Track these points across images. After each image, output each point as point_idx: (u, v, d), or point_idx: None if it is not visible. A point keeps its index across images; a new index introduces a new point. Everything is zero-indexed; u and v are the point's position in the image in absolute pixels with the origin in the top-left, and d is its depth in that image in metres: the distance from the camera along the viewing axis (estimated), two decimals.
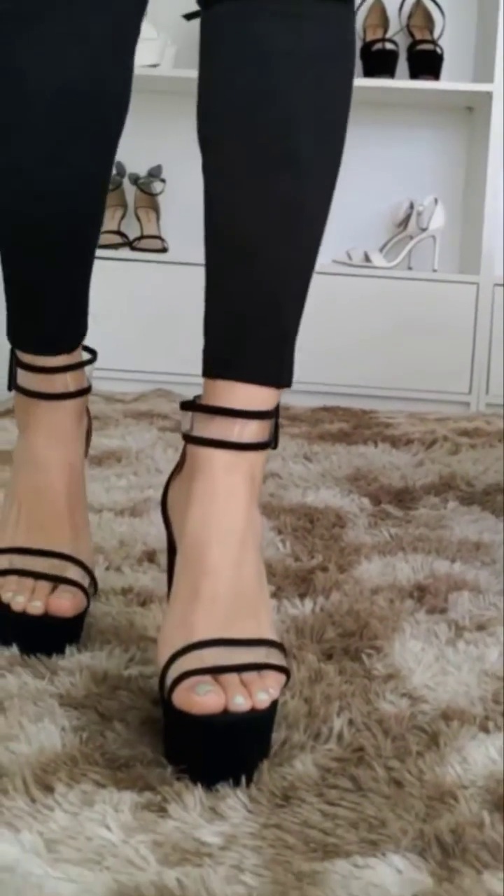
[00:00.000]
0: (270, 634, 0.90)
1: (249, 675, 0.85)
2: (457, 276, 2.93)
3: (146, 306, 2.95)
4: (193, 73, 0.98)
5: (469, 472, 1.97)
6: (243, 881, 0.69)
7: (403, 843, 0.74)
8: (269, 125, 0.90)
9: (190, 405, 0.94)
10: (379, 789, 0.81)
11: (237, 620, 0.88)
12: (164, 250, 3.11)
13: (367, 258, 2.96)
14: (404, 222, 3.05)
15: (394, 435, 2.33)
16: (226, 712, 0.81)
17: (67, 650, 1.04)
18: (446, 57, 3.06)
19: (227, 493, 0.91)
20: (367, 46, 3.05)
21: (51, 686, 0.96)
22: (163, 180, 3.20)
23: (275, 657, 0.88)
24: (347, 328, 2.87)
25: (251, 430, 0.92)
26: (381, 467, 2.00)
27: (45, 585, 1.04)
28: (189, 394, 0.99)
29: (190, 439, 0.93)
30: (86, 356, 1.12)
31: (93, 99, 1.01)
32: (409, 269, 3.06)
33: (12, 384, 1.10)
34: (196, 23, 1.04)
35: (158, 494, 1.37)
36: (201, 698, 0.81)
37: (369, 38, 3.07)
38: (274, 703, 0.85)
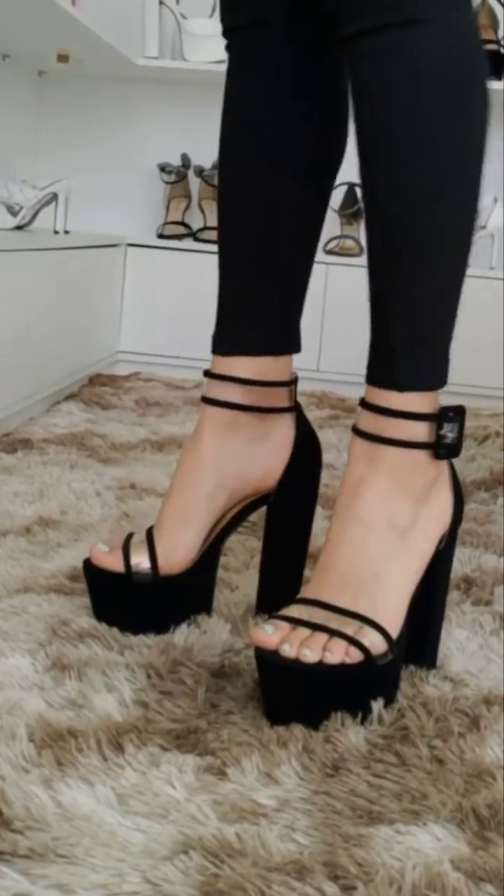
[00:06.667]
0: (379, 616, 0.96)
1: (320, 636, 0.94)
2: None
3: (208, 295, 3.00)
4: None
5: None
6: (295, 839, 0.76)
7: (443, 815, 0.80)
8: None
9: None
10: (422, 765, 0.87)
11: (347, 592, 0.97)
12: None
13: None
14: None
15: None
16: (296, 661, 0.92)
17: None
18: None
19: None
20: None
21: (120, 657, 1.03)
22: None
23: (364, 634, 0.95)
24: None
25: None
26: None
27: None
28: None
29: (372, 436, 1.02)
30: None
31: None
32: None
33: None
34: None
35: None
36: (255, 631, 0.94)
37: None
38: (333, 668, 0.92)
